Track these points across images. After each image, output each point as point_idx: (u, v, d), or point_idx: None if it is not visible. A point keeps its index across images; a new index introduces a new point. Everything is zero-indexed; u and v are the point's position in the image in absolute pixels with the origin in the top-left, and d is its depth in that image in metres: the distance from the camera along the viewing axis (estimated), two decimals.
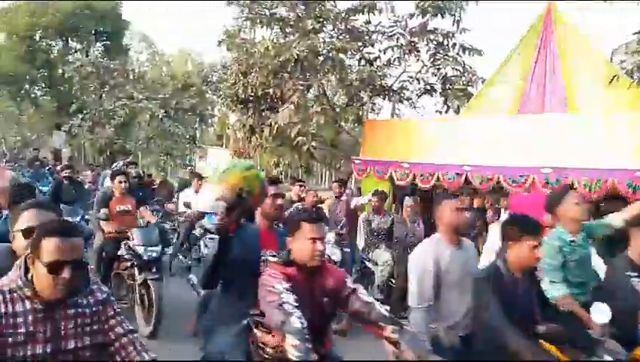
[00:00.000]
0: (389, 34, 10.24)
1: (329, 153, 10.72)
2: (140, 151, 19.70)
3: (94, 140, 19.13)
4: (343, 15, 10.09)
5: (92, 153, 21.18)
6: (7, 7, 24.64)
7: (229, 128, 35.98)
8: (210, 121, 29.83)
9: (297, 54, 8.42)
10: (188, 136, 19.92)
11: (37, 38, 24.45)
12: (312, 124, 8.51)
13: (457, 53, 10.07)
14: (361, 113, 10.87)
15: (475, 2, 9.49)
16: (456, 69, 10.08)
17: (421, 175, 7.28)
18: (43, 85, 25.66)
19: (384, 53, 10.41)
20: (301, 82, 8.50)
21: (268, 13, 10.13)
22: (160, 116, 16.84)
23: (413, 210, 6.42)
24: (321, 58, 9.01)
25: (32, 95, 26.30)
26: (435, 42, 10.06)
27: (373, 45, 10.47)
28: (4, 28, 25.12)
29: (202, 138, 33.48)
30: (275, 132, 8.92)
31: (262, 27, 10.37)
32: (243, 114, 10.51)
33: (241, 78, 9.65)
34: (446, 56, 9.99)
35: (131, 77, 19.78)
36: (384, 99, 10.87)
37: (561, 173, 6.06)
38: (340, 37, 10.16)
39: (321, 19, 10.07)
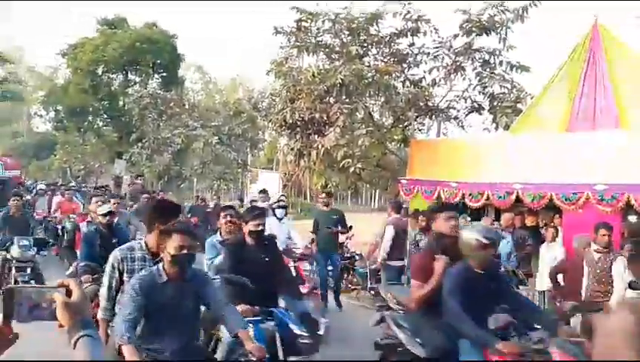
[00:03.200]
0: (434, 55, 10.30)
1: (375, 174, 10.79)
2: (195, 177, 20.51)
3: (153, 167, 20.08)
4: (387, 39, 10.27)
5: (150, 179, 22.19)
6: (74, 43, 26.46)
7: (278, 152, 36.91)
8: (260, 145, 30.63)
9: (342, 79, 8.62)
10: (240, 161, 20.55)
11: (100, 72, 26.08)
12: (358, 146, 8.63)
13: (504, 71, 9.99)
14: (407, 133, 10.92)
15: (520, 21, 9.41)
16: (504, 87, 9.98)
17: (470, 194, 7.25)
18: (105, 116, 27.23)
19: (429, 73, 10.47)
20: (346, 105, 8.68)
21: (314, 41, 10.45)
22: (213, 143, 17.52)
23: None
24: (365, 81, 9.17)
25: (95, 126, 27.95)
26: (480, 60, 10.04)
27: (417, 66, 10.56)
28: (71, 64, 26.97)
29: (253, 162, 34.36)
30: (322, 155, 9.11)
31: (308, 55, 10.72)
32: (291, 138, 10.80)
33: (289, 103, 9.95)
34: (492, 74, 9.92)
35: (186, 106, 20.78)
36: (430, 118, 10.88)
37: (616, 189, 5.89)
38: (384, 60, 10.33)
39: (366, 45, 10.30)
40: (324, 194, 8.84)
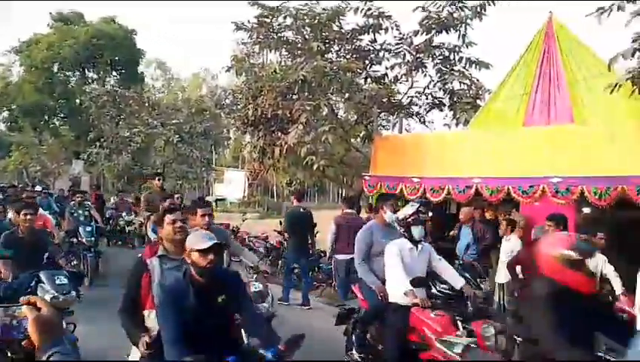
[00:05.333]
0: (395, 51, 10.38)
1: (340, 171, 10.81)
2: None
3: (112, 167, 19.54)
4: (349, 36, 10.28)
5: (111, 179, 21.60)
6: (28, 39, 25.50)
7: (243, 150, 36.61)
8: (225, 143, 30.28)
9: (304, 76, 8.58)
10: (203, 160, 20.23)
11: (55, 69, 25.24)
12: (322, 143, 8.62)
13: (464, 67, 10.16)
14: (370, 130, 10.98)
15: (478, 18, 9.58)
16: (464, 83, 10.14)
17: (432, 188, 7.34)
18: (62, 115, 26.41)
19: (391, 70, 10.55)
20: (309, 102, 8.65)
21: (275, 37, 10.36)
22: (175, 141, 17.17)
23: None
24: (328, 78, 9.15)
25: (52, 125, 27.06)
26: (441, 57, 10.17)
27: (380, 63, 10.62)
28: (24, 61, 25.99)
29: (218, 160, 33.91)
30: (285, 152, 9.05)
31: (270, 51, 10.62)
32: (254, 135, 10.69)
33: (251, 100, 9.85)
34: (452, 71, 10.07)
35: (146, 104, 20.27)
36: (393, 115, 10.97)
37: (570, 182, 6.07)
38: (347, 57, 10.34)
39: (328, 41, 10.28)
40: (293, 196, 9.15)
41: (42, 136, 27.81)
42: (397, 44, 10.32)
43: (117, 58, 25.57)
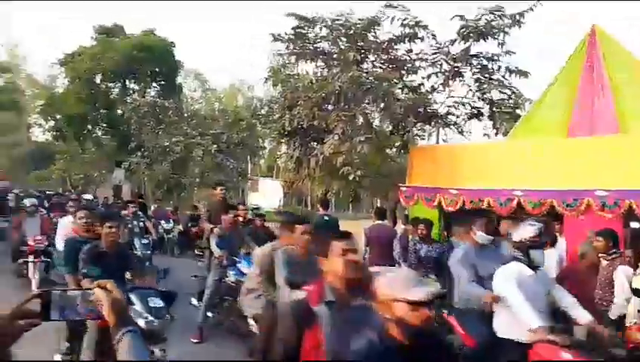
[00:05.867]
0: (432, 61, 10.28)
1: (375, 181, 10.73)
2: (194, 186, 20.45)
3: (152, 176, 20.03)
4: (385, 45, 10.24)
5: (150, 188, 22.13)
6: (72, 52, 26.54)
7: (278, 160, 36.94)
8: (260, 153, 30.61)
9: (340, 86, 8.59)
10: (240, 169, 20.50)
11: (98, 80, 26.13)
12: (358, 153, 8.59)
13: (503, 76, 9.97)
14: (406, 140, 10.88)
15: (517, 26, 9.40)
16: (503, 92, 9.95)
17: (471, 201, 7.19)
18: (104, 125, 27.26)
19: (427, 79, 10.45)
20: (345, 113, 8.64)
21: (312, 48, 10.43)
22: (213, 151, 17.48)
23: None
24: (364, 88, 9.13)
25: (94, 135, 27.97)
26: (479, 66, 10.01)
27: (415, 73, 10.53)
28: (68, 73, 27.04)
29: (254, 170, 34.32)
30: (321, 162, 9.06)
31: (306, 62, 10.70)
32: (290, 146, 10.76)
33: (287, 111, 9.92)
34: (491, 80, 9.90)
35: (185, 114, 20.75)
36: (429, 125, 10.84)
37: (618, 195, 5.83)
38: (383, 67, 10.31)
39: (363, 51, 10.27)
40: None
41: (85, 145, 28.78)
42: (434, 53, 10.23)
43: (156, 69, 26.27)
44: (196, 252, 13.18)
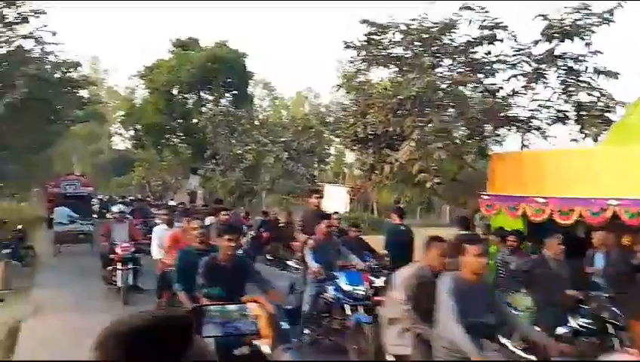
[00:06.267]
0: (512, 63, 9.84)
1: (451, 189, 10.39)
2: (264, 192, 20.87)
3: (226, 182, 20.63)
4: (462, 48, 9.93)
5: (223, 194, 22.84)
6: (151, 65, 28.02)
7: (344, 166, 36.93)
8: (327, 160, 30.75)
9: (416, 91, 8.40)
10: (309, 176, 20.68)
11: (175, 92, 27.39)
12: (434, 160, 8.34)
13: (590, 78, 9.35)
14: (484, 146, 10.45)
15: (607, 24, 8.78)
16: (591, 95, 9.33)
17: (559, 210, 6.74)
18: (180, 134, 28.48)
19: (507, 82, 10.01)
20: (421, 118, 8.43)
21: (385, 53, 10.31)
22: (284, 158, 17.74)
23: (560, 250, 5.74)
24: (440, 93, 8.89)
25: (171, 143, 29.30)
26: (564, 67, 9.45)
27: (494, 75, 10.13)
28: (147, 85, 28.57)
29: (320, 177, 34.53)
30: (396, 169, 8.89)
31: (378, 67, 10.59)
32: (362, 152, 10.67)
33: (360, 117, 9.84)
34: (578, 81, 9.31)
35: (256, 123, 21.28)
36: (510, 129, 10.36)
37: None
38: (459, 70, 9.99)
39: (439, 55, 10.02)
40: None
41: (162, 153, 30.21)
42: (514, 55, 9.80)
43: (229, 80, 27.10)
44: (267, 257, 13.39)
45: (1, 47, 13.33)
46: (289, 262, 11.32)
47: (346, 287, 5.81)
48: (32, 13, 12.95)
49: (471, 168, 10.16)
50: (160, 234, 7.77)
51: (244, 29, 67.05)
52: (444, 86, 9.00)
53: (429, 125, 8.47)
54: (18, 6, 12.80)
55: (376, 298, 5.92)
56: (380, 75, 11.18)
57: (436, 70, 9.77)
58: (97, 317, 7.23)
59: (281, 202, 23.11)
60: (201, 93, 27.60)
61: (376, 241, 12.81)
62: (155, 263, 7.96)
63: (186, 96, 27.81)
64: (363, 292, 5.84)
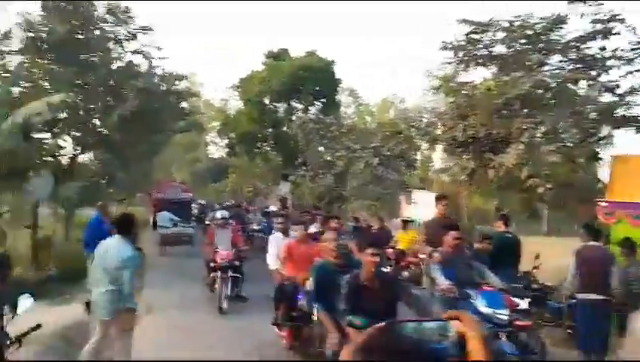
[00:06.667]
0: (629, 58, 9.02)
1: (561, 194, 9.66)
2: (354, 198, 20.81)
3: (315, 188, 20.87)
4: (572, 44, 9.26)
5: (312, 200, 23.13)
6: (245, 77, 29.20)
7: (431, 172, 35.97)
8: (414, 165, 30.12)
9: (525, 90, 7.91)
10: (400, 181, 20.33)
11: (267, 102, 28.29)
12: (546, 164, 7.78)
13: None
14: (598, 148, 9.65)
15: None
16: None
17: None
18: (271, 142, 29.33)
19: (624, 78, 9.18)
20: (530, 119, 7.92)
21: (485, 53, 9.89)
22: (374, 164, 17.60)
23: None
24: (551, 92, 8.32)
25: (263, 151, 30.25)
26: None
27: (607, 72, 9.34)
28: (241, 96, 29.79)
29: (408, 182, 33.92)
30: (501, 174, 8.43)
31: (477, 68, 10.17)
32: (461, 157, 10.26)
33: (460, 120, 9.49)
34: None
35: (344, 130, 21.35)
36: (627, 130, 9.47)
37: None
38: (569, 68, 9.33)
39: (545, 52, 9.42)
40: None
41: (254, 160, 31.25)
42: (633, 49, 8.96)
43: (318, 88, 27.49)
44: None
45: (113, 63, 14.48)
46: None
47: (485, 310, 4.87)
48: (141, 30, 13.99)
49: (584, 172, 9.40)
50: (276, 242, 7.18)
51: (330, 37, 67.94)
52: (553, 84, 8.40)
53: (540, 127, 7.93)
54: (129, 24, 13.87)
55: (520, 323, 5.09)
56: (478, 75, 10.77)
57: (544, 68, 9.20)
58: (199, 316, 7.66)
59: (369, 208, 22.96)
60: (291, 102, 28.26)
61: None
62: (259, 271, 8.00)
63: (276, 105, 28.61)
64: (506, 317, 4.86)
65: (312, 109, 27.71)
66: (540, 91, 8.33)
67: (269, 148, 29.70)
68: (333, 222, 7.54)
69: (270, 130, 28.20)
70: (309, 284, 5.48)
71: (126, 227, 4.96)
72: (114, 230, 5.20)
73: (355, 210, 24.69)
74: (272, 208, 15.71)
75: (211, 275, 8.78)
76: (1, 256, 2.97)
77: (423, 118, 20.40)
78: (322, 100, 27.75)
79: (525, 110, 8.41)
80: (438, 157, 37.86)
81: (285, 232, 7.39)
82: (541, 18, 9.49)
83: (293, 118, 27.11)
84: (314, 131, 20.70)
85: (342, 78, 29.31)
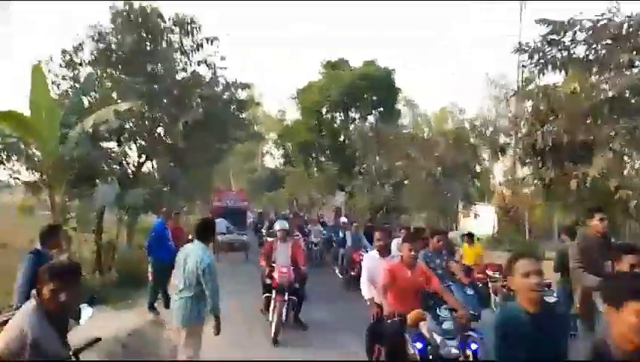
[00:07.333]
0: None
1: None
2: (415, 209, 20.20)
3: (372, 199, 20.41)
4: None
5: (368, 211, 22.67)
6: (303, 87, 29.25)
7: (492, 182, 34.52)
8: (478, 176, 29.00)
9: (616, 93, 7.18)
10: (461, 193, 19.53)
11: (324, 111, 28.13)
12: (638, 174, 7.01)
13: None
14: None
15: None
16: None
17: None
18: (327, 152, 29.11)
19: None
20: (623, 125, 7.17)
21: (565, 55, 9.19)
22: (437, 174, 16.96)
23: None
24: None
25: (319, 161, 30.08)
26: None
27: None
28: (299, 106, 29.83)
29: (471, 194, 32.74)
30: (587, 185, 7.68)
31: (554, 71, 9.47)
32: (538, 167, 9.53)
33: (539, 126, 8.80)
34: None
35: (404, 138, 20.78)
36: None
37: None
38: None
39: (635, 52, 8.60)
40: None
41: (310, 170, 31.16)
42: None
43: (375, 98, 27.05)
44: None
45: (178, 73, 14.74)
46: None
47: None
48: (206, 41, 14.17)
49: None
50: (371, 264, 5.60)
51: (388, 47, 67.51)
52: None
53: (633, 133, 7.16)
54: (194, 34, 14.09)
55: None
56: (556, 79, 10.03)
57: (633, 71, 8.38)
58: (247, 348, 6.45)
59: (430, 220, 22.18)
60: (349, 112, 27.94)
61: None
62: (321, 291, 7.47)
63: (335, 115, 28.40)
64: None
65: (370, 118, 27.28)
66: (631, 95, 7.52)
67: (324, 158, 29.51)
68: (437, 237, 6.62)
69: (327, 140, 27.98)
70: (425, 325, 4.59)
71: (204, 233, 4.84)
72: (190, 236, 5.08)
73: (415, 220, 23.97)
74: (344, 219, 15.15)
75: (265, 295, 7.70)
76: (74, 266, 2.78)
77: (488, 126, 19.57)
78: (380, 110, 27.26)
79: (615, 115, 7.65)
80: (501, 168, 36.48)
81: (382, 251, 5.74)
82: (627, 16, 8.72)
83: (351, 127, 26.78)
84: (372, 140, 20.29)
85: (401, 88, 28.74)
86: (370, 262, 5.64)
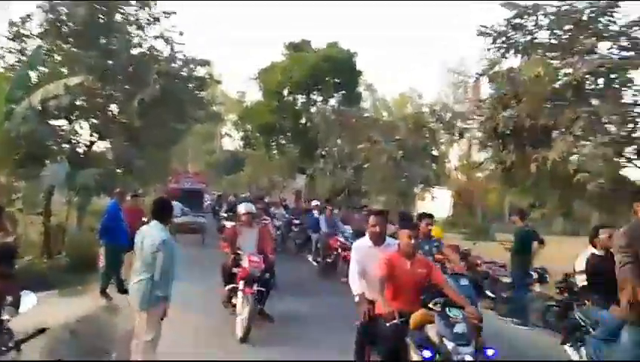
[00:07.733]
0: None
1: (607, 193, 8.96)
2: (375, 192, 20.25)
3: (335, 182, 20.33)
4: (624, 30, 8.59)
5: (329, 194, 22.58)
6: (264, 68, 28.66)
7: (447, 165, 35.24)
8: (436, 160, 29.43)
9: (580, 77, 7.27)
10: (421, 177, 19.71)
11: (285, 93, 27.72)
12: (598, 159, 7.15)
13: None
14: None
15: None
16: None
17: None
18: (288, 134, 28.79)
19: None
20: (585, 109, 7.28)
21: (528, 39, 9.27)
22: (398, 157, 17.01)
23: None
24: (603, 79, 7.66)
25: (279, 143, 29.72)
26: None
27: None
28: (261, 87, 29.25)
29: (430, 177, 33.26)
30: (547, 168, 7.80)
31: (515, 55, 9.55)
32: (498, 150, 9.64)
33: (501, 110, 8.86)
34: None
35: (366, 122, 20.72)
36: None
37: None
38: (619, 55, 8.66)
39: (595, 37, 8.76)
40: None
41: (270, 152, 30.77)
42: None
43: (337, 80, 26.86)
44: None
45: (135, 48, 14.05)
46: None
47: None
48: (163, 14, 13.54)
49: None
50: (363, 253, 4.68)
51: (349, 29, 67.28)
52: (605, 70, 7.72)
53: (593, 117, 7.29)
54: (150, 7, 13.43)
55: None
56: (516, 63, 10.13)
57: (593, 56, 8.52)
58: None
59: (389, 203, 22.33)
60: (311, 94, 27.65)
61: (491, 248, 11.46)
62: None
63: (296, 97, 28.04)
64: None
65: (332, 101, 27.09)
66: (592, 79, 7.64)
67: (285, 141, 29.18)
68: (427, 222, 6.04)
69: (289, 122, 27.63)
70: (433, 329, 3.80)
71: (161, 212, 4.63)
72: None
73: (375, 204, 24.08)
74: (316, 202, 14.16)
75: (229, 286, 6.66)
76: (7, 247, 2.48)
77: (447, 111, 19.76)
78: (342, 92, 27.09)
79: (575, 98, 7.76)
80: (457, 153, 37.22)
81: (377, 240, 4.69)
82: (589, 2, 8.86)
83: (313, 109, 26.52)
84: (334, 123, 20.14)
85: (362, 71, 28.63)
86: (361, 251, 4.68)
